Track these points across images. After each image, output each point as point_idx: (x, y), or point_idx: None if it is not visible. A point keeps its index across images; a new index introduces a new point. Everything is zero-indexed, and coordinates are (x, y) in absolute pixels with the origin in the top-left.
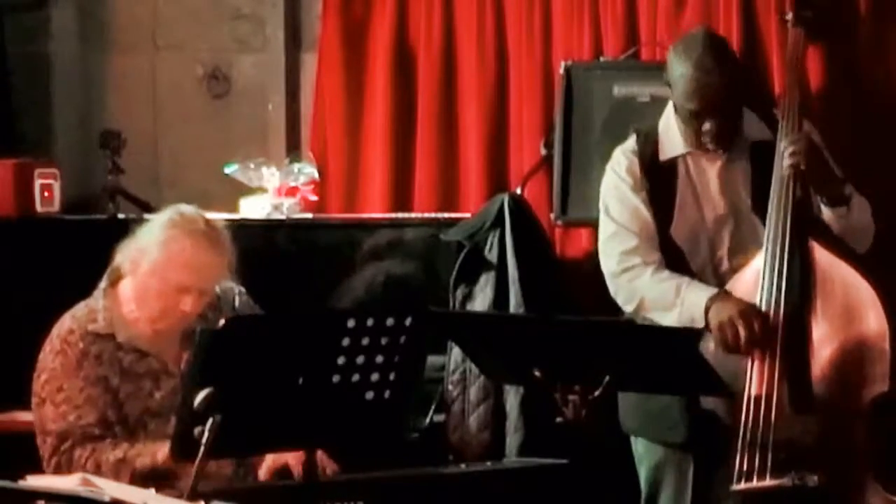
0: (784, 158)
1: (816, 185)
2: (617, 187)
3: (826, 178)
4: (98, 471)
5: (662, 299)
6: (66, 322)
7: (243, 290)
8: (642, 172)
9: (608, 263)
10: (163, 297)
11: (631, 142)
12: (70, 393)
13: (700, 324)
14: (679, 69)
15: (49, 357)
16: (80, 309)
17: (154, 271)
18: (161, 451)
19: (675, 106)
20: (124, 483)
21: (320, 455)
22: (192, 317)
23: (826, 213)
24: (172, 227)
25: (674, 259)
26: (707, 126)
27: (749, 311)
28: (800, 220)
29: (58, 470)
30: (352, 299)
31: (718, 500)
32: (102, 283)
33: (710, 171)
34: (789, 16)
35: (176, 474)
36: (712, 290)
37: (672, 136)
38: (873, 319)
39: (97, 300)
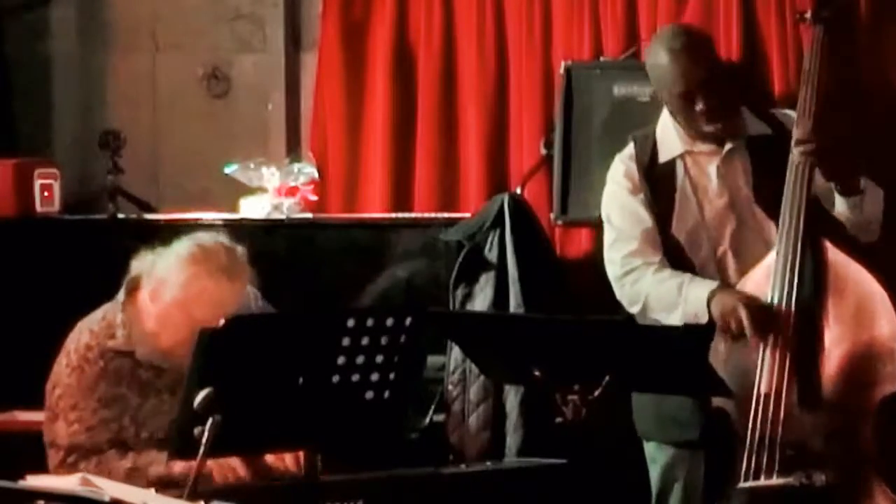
0: (799, 148)
1: (832, 174)
2: (616, 194)
3: (842, 166)
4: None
5: (666, 299)
6: (84, 336)
7: (259, 293)
8: (640, 175)
9: (612, 269)
10: (185, 328)
11: (628, 149)
12: (84, 413)
13: (703, 318)
14: (656, 61)
15: (65, 371)
16: (96, 322)
17: (176, 305)
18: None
19: (666, 105)
20: None
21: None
22: None
23: (840, 204)
24: (193, 265)
25: (676, 257)
26: (700, 106)
27: (751, 299)
28: (813, 216)
29: None
30: (352, 299)
31: (728, 499)
32: (120, 296)
33: (708, 169)
34: (808, 14)
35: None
36: (713, 284)
37: (669, 138)
38: (884, 319)
39: (115, 313)
